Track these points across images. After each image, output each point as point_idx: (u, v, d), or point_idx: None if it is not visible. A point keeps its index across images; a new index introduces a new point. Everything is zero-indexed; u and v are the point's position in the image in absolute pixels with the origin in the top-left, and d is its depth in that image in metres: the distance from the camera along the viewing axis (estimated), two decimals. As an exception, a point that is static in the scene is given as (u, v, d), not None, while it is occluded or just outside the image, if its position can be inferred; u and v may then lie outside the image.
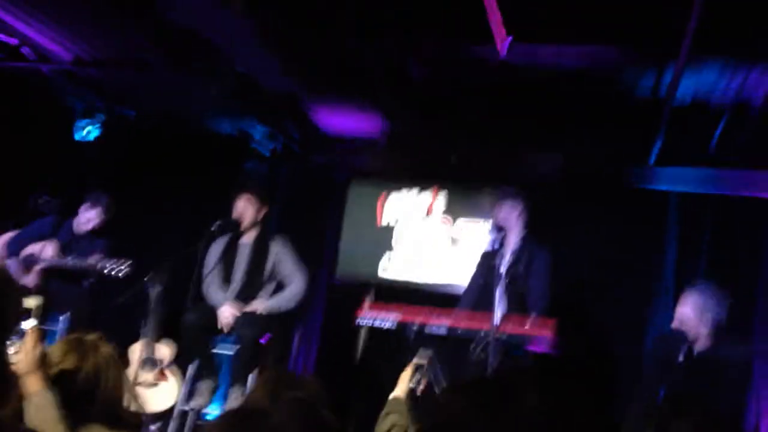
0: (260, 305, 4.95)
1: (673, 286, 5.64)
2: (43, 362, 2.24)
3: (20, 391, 2.17)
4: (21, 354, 2.24)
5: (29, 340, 2.29)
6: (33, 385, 2.18)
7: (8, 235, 5.53)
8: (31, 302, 2.38)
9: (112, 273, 5.00)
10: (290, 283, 5.11)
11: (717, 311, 4.20)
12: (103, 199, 5.55)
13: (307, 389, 1.92)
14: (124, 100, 6.44)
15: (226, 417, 1.11)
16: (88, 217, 5.49)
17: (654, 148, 5.50)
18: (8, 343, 1.74)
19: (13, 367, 1.91)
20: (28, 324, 2.37)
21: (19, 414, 2.13)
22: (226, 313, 4.86)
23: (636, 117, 5.34)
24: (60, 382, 2.19)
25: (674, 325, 4.29)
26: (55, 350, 2.25)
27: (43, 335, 5.03)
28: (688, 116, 5.17)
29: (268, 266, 5.11)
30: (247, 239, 5.18)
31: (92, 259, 5.23)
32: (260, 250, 5.15)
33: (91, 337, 2.31)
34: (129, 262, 5.06)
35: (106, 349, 2.28)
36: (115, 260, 5.06)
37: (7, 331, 1.52)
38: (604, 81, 5.05)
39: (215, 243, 5.20)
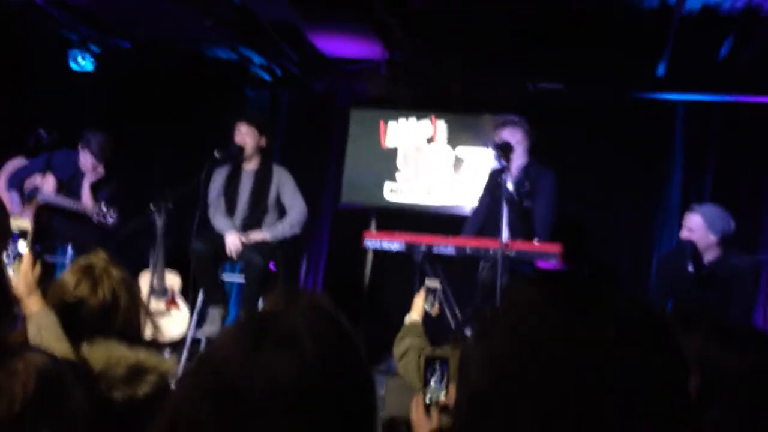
0: (265, 234, 4.96)
1: (679, 203, 5.63)
2: (41, 283, 2.23)
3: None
4: (18, 276, 2.23)
5: (25, 262, 2.28)
6: (33, 306, 2.18)
7: (11, 166, 5.49)
8: (22, 225, 2.36)
9: (101, 220, 4.94)
10: (291, 209, 5.12)
11: (725, 222, 4.20)
12: (95, 139, 5.32)
13: (320, 300, 1.91)
14: (119, 30, 6.31)
15: (241, 322, 1.09)
16: (85, 158, 5.36)
17: (661, 61, 5.40)
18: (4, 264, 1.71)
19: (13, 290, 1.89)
20: (22, 246, 2.36)
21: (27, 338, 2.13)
22: (232, 242, 4.87)
23: (642, 31, 5.23)
24: (77, 310, 2.18)
25: (683, 234, 4.29)
26: (68, 279, 2.23)
27: (52, 267, 5.08)
28: (696, 28, 5.06)
29: (272, 194, 5.12)
30: (250, 167, 5.16)
31: (84, 202, 5.20)
32: (263, 178, 5.13)
33: (100, 262, 2.29)
34: (116, 212, 4.99)
35: (118, 271, 2.27)
36: (105, 207, 4.99)
37: (2, 250, 1.49)
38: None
39: (218, 172, 5.17)
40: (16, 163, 5.52)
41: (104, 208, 4.94)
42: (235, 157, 5.08)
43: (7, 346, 1.36)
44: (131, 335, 2.19)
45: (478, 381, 0.91)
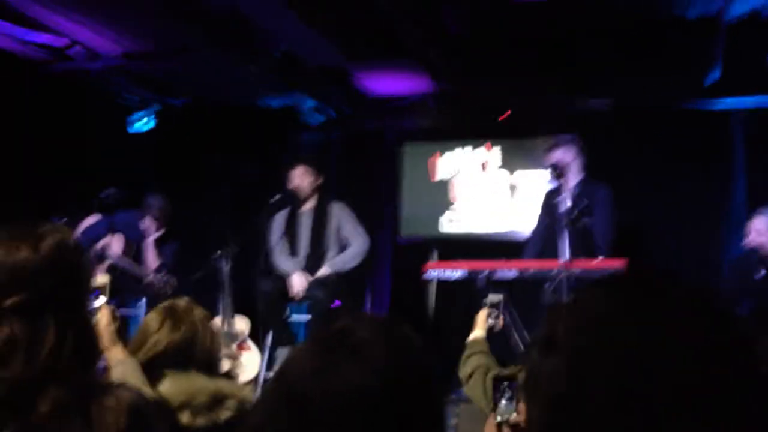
0: (326, 268, 5.04)
1: (745, 208, 5.50)
2: (121, 336, 2.33)
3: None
4: (100, 329, 2.32)
5: (105, 315, 2.38)
6: (116, 355, 2.27)
7: (86, 224, 5.70)
8: (100, 280, 2.45)
9: (160, 289, 5.11)
10: (352, 243, 5.20)
11: None
12: (156, 203, 5.56)
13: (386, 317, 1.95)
14: (174, 89, 6.54)
15: (313, 336, 1.13)
16: (147, 222, 5.58)
17: (710, 70, 5.33)
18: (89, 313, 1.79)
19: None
20: (100, 301, 2.45)
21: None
22: (297, 282, 4.96)
23: (688, 41, 5.18)
24: (159, 349, 2.27)
25: (749, 239, 4.20)
26: (152, 319, 2.34)
27: (126, 320, 5.23)
28: (743, 34, 5.00)
29: (331, 231, 5.21)
30: (307, 209, 5.27)
31: (148, 264, 5.44)
32: (320, 218, 5.24)
33: (182, 302, 2.40)
34: (175, 279, 5.19)
35: (199, 311, 2.37)
36: (164, 276, 5.18)
37: (87, 298, 1.58)
38: (650, 6, 4.91)
39: (277, 216, 5.29)
40: (91, 221, 5.74)
41: (163, 278, 5.12)
42: (293, 199, 5.20)
43: (99, 385, 1.44)
44: (210, 368, 2.27)
45: (548, 392, 0.89)
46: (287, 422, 0.96)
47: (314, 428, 0.95)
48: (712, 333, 0.85)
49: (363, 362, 0.97)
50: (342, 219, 5.24)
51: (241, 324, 5.09)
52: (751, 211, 4.94)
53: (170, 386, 2.14)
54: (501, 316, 3.14)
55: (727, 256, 5.57)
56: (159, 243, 5.62)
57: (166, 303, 2.40)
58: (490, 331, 3.11)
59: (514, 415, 1.92)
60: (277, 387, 1.01)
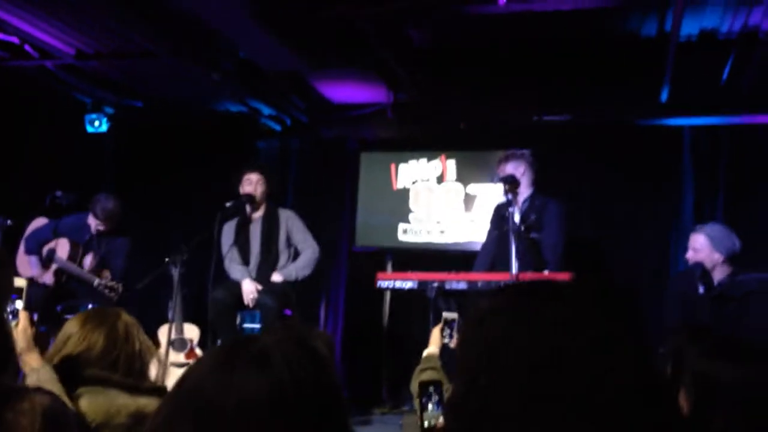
0: (276, 276, 5.04)
1: (693, 226, 5.60)
2: (38, 341, 2.28)
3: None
4: (17, 333, 2.27)
5: (22, 320, 2.34)
6: (32, 362, 2.22)
7: (33, 227, 5.59)
8: (17, 284, 2.40)
9: (106, 293, 5.01)
10: (303, 250, 5.22)
11: (729, 240, 4.21)
12: (101, 203, 5.35)
13: (312, 333, 1.93)
14: (131, 91, 6.48)
15: (217, 347, 1.13)
16: (94, 223, 5.41)
17: (662, 88, 5.44)
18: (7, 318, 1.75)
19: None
20: (19, 304, 2.41)
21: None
22: (249, 288, 4.94)
23: (642, 59, 5.28)
24: (79, 350, 2.20)
25: (689, 256, 4.29)
26: (72, 323, 2.27)
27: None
28: (696, 53, 5.11)
29: (282, 237, 5.21)
30: (257, 216, 5.27)
31: (93, 273, 5.28)
32: (271, 224, 5.25)
33: (110, 309, 2.35)
34: (122, 286, 5.06)
35: (126, 317, 2.31)
36: (111, 282, 5.07)
37: (4, 302, 1.56)
38: (605, 24, 4.99)
39: (228, 223, 5.27)
40: (38, 224, 5.63)
41: (110, 282, 5.02)
42: (246, 206, 5.19)
43: (14, 389, 1.42)
44: (135, 377, 2.21)
45: (453, 390, 1.00)
46: (189, 428, 0.96)
47: None
48: (606, 358, 0.89)
49: (262, 371, 0.97)
50: (291, 227, 5.25)
51: (191, 331, 5.05)
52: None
53: (88, 404, 2.08)
54: (455, 335, 3.16)
55: (676, 272, 5.67)
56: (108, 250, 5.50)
57: (93, 309, 2.36)
58: (444, 348, 3.14)
59: (441, 419, 1.94)
60: (179, 394, 1.01)
